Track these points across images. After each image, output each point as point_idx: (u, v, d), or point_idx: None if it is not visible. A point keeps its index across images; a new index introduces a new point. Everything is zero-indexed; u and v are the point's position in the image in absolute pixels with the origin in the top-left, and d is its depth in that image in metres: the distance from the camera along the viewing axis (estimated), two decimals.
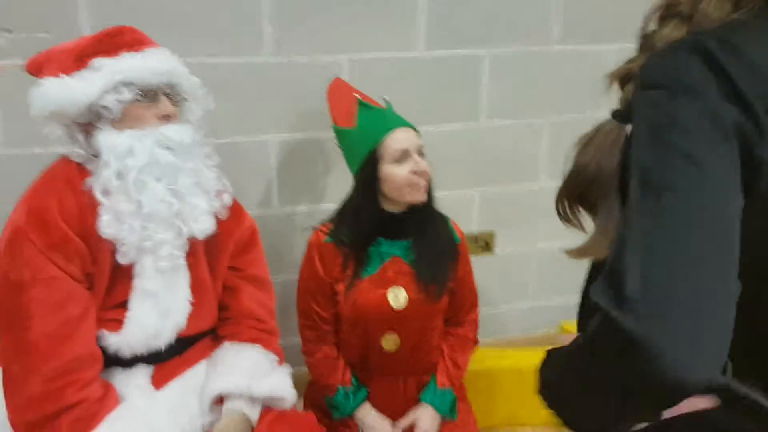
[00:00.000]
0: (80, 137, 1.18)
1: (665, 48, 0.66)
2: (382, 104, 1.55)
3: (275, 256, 1.93)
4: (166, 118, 1.20)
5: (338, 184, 1.62)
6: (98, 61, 1.15)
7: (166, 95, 1.22)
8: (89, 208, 1.15)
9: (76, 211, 1.15)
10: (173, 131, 1.19)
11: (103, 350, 1.20)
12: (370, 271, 1.54)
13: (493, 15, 1.93)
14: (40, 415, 1.08)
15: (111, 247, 1.17)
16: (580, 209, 0.85)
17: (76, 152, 1.18)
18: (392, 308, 1.53)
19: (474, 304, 1.70)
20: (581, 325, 0.94)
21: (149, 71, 1.17)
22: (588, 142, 0.81)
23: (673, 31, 0.69)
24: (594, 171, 0.79)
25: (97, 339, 1.18)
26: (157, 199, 1.16)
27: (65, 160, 1.21)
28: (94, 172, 1.16)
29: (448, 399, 1.62)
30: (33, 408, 1.09)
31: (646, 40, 0.73)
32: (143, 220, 1.15)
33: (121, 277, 1.19)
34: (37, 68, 1.19)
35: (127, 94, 1.15)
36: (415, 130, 1.51)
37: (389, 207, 1.53)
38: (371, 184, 1.49)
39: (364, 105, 1.51)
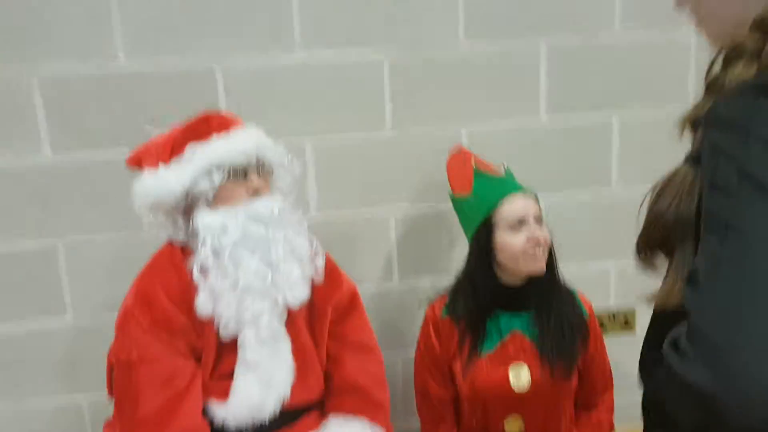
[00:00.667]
0: (180, 221, 1.26)
1: (734, 89, 0.62)
2: (501, 171, 1.51)
3: (396, 333, 1.90)
4: (257, 192, 1.27)
5: (462, 257, 1.58)
6: (191, 148, 1.24)
7: (257, 169, 1.28)
8: (192, 286, 1.22)
9: (179, 291, 1.22)
10: (263, 205, 1.25)
11: (211, 423, 1.22)
12: (489, 347, 1.46)
13: (620, 76, 1.85)
14: None
15: (215, 322, 1.21)
16: (660, 256, 0.78)
17: (178, 236, 1.27)
18: (514, 389, 1.42)
19: (608, 386, 1.54)
20: (644, 379, 0.92)
21: (237, 151, 1.25)
22: (664, 188, 0.75)
23: (742, 71, 0.63)
24: (673, 216, 0.72)
25: (205, 410, 1.21)
26: (252, 273, 1.20)
27: (170, 244, 1.30)
28: (194, 252, 1.23)
29: None
30: None
31: (713, 83, 0.67)
32: (240, 294, 1.20)
33: (228, 349, 1.24)
34: (137, 162, 1.30)
35: (217, 177, 1.23)
36: (533, 196, 1.45)
37: (506, 278, 1.45)
38: (486, 253, 1.44)
39: (480, 172, 1.48)
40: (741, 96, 0.60)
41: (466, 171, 1.52)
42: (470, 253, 1.48)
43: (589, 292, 1.97)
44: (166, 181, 1.22)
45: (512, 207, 1.41)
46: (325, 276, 1.36)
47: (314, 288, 1.33)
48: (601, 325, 2.00)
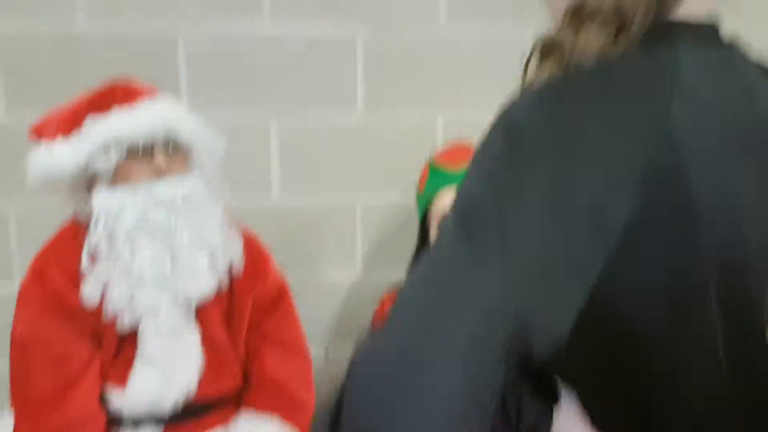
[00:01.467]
0: (86, 197, 1.17)
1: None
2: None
3: (354, 326, 1.82)
4: (161, 173, 1.16)
5: None
6: (90, 121, 1.13)
7: (165, 148, 1.17)
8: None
9: (77, 273, 1.14)
10: (166, 188, 1.15)
11: (109, 409, 1.16)
12: None
13: None
14: None
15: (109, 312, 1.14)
16: None
17: (81, 212, 1.18)
18: None
19: None
20: None
21: (138, 126, 1.13)
22: None
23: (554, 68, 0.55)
24: None
25: (103, 396, 1.14)
26: (147, 261, 1.12)
27: (73, 221, 1.21)
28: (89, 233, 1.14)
29: None
30: None
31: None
32: (134, 283, 1.11)
33: (130, 336, 1.17)
34: (39, 134, 1.19)
35: (114, 154, 1.12)
36: None
37: None
38: (424, 250, 1.35)
39: (435, 167, 1.39)
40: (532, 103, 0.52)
41: (426, 167, 1.43)
42: (414, 250, 1.40)
43: None
44: (59, 156, 1.12)
45: (441, 202, 1.33)
46: (249, 266, 1.28)
47: (234, 279, 1.25)
48: None
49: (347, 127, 1.70)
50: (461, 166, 1.39)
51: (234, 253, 1.24)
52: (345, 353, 1.76)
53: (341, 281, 1.81)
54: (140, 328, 1.15)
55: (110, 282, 1.12)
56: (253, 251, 1.31)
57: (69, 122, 1.16)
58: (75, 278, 1.14)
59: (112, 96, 1.18)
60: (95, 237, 1.12)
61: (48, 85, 1.59)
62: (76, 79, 1.58)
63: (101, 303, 1.13)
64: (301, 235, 1.76)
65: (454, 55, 1.69)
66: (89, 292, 1.12)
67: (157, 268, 1.13)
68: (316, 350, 1.83)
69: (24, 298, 1.16)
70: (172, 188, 1.15)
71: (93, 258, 1.13)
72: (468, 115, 1.71)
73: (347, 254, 1.80)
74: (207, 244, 1.18)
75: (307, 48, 1.64)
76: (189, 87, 1.62)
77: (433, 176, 1.40)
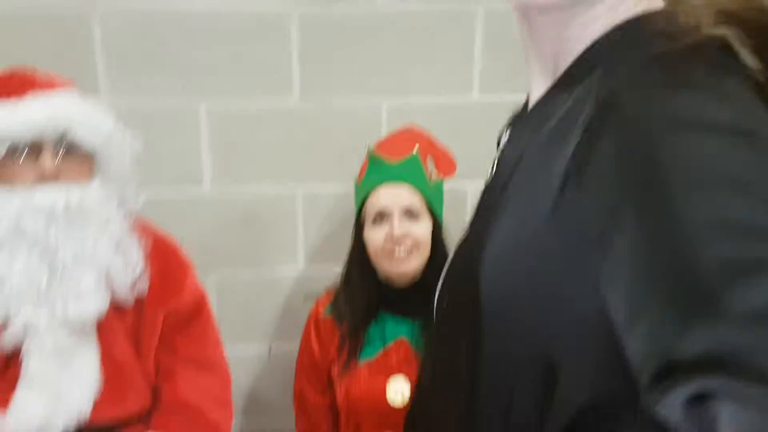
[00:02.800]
0: None
1: None
2: (405, 155, 1.30)
3: (294, 324, 1.72)
4: (44, 177, 1.04)
5: None
6: None
7: (56, 148, 1.05)
8: None
9: None
10: (49, 194, 1.03)
11: None
12: (369, 354, 1.28)
13: None
14: None
15: None
16: None
17: None
18: (391, 403, 1.24)
19: None
20: None
21: (22, 123, 1.01)
22: None
23: None
24: None
25: None
26: (21, 274, 1.01)
27: None
28: None
29: None
30: None
31: None
32: (6, 297, 1.01)
33: (14, 357, 1.05)
34: None
35: None
36: (414, 187, 1.23)
37: (390, 278, 1.26)
38: (360, 250, 1.25)
39: (374, 157, 1.28)
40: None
41: (366, 157, 1.32)
42: (350, 249, 1.30)
43: None
44: None
45: (376, 198, 1.23)
46: (161, 278, 1.17)
47: (146, 293, 1.14)
48: None
49: (284, 112, 1.59)
50: (403, 158, 1.28)
51: (136, 269, 1.13)
52: (287, 350, 1.68)
53: (284, 275, 1.71)
54: (23, 347, 1.04)
55: None
56: (169, 261, 1.21)
57: None
58: None
59: (4, 86, 1.06)
60: None
61: None
62: None
63: None
64: (240, 228, 1.66)
65: (397, 34, 1.57)
66: None
67: (31, 283, 1.02)
68: (258, 347, 1.75)
69: None
70: (54, 195, 1.03)
71: None
72: (413, 100, 1.62)
73: (289, 248, 1.70)
74: (96, 260, 1.07)
75: (239, 26, 1.52)
76: (107, 70, 1.49)
77: (373, 168, 1.29)
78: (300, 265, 1.71)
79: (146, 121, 1.47)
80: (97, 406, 1.08)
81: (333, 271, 1.67)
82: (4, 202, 1.01)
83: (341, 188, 1.64)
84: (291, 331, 1.74)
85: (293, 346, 1.59)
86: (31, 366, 1.03)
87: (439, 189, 1.30)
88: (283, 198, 1.65)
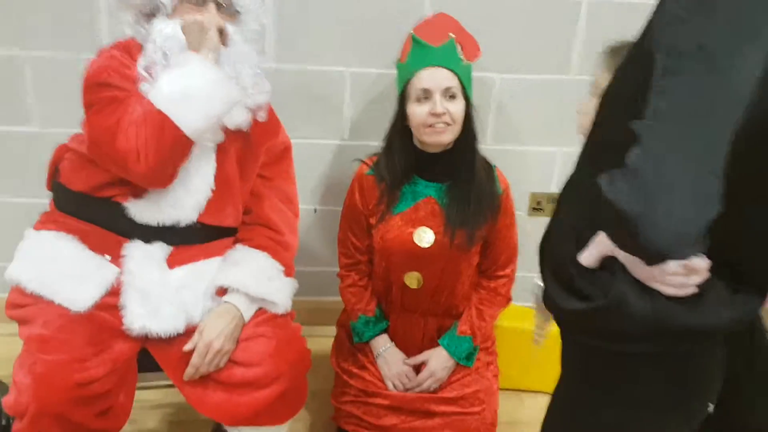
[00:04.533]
0: (144, 24, 1.34)
1: None
2: (444, 41, 1.51)
3: (338, 188, 2.00)
4: (211, 20, 1.30)
5: None
6: None
7: (220, 5, 1.32)
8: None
9: (130, 65, 1.31)
10: (214, 17, 1.30)
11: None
12: (402, 208, 1.57)
13: None
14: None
15: None
16: None
17: (138, 36, 1.34)
18: (417, 247, 1.54)
19: (510, 260, 1.66)
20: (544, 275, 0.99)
21: None
22: None
23: None
24: None
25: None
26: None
27: (132, 39, 1.36)
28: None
29: (465, 347, 1.63)
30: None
31: None
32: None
33: None
34: None
35: None
36: (452, 70, 1.47)
37: (426, 146, 1.53)
38: (401, 120, 1.51)
39: (417, 39, 1.50)
40: None
41: (408, 38, 1.54)
42: (393, 119, 1.55)
43: (533, 175, 2.05)
44: None
45: (420, 79, 1.46)
46: (265, 121, 1.43)
47: (253, 127, 1.41)
48: (539, 206, 2.10)
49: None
50: (443, 43, 1.49)
51: (260, 99, 1.40)
52: (330, 210, 1.96)
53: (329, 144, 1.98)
54: None
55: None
56: (269, 112, 1.46)
57: None
58: (132, 69, 1.31)
59: None
60: (152, 51, 1.29)
61: None
62: None
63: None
64: (294, 98, 1.90)
65: None
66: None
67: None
68: (303, 208, 2.04)
69: (104, 53, 1.34)
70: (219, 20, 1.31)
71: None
72: None
73: (337, 120, 1.95)
74: (241, 83, 1.33)
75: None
76: None
77: (416, 51, 1.50)
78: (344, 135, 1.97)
79: None
80: (207, 210, 1.37)
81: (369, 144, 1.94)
82: (192, 19, 1.29)
83: (381, 70, 1.88)
84: (330, 196, 2.03)
85: (335, 206, 1.88)
86: None
87: (469, 71, 1.52)
88: (333, 75, 1.89)
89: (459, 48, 1.49)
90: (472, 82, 1.53)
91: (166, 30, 1.29)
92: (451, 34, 1.51)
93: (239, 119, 1.37)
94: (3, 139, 1.91)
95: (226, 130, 1.37)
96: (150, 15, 1.34)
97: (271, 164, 1.53)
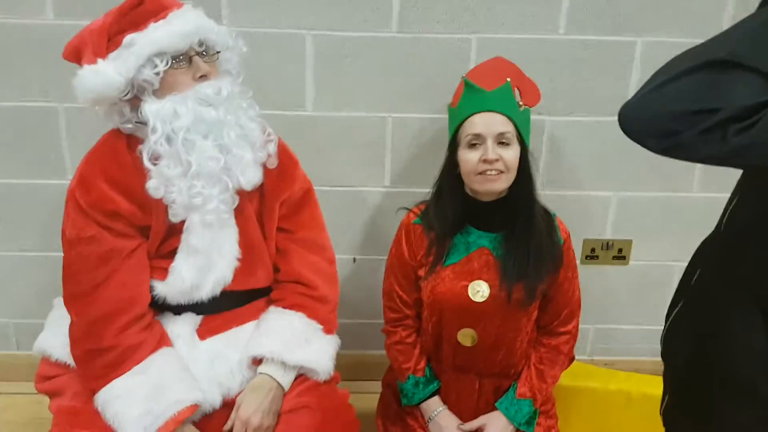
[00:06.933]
0: (127, 111, 1.23)
1: None
2: (498, 85, 1.43)
3: (379, 236, 1.91)
4: (203, 77, 1.22)
5: None
6: (129, 38, 1.17)
7: (200, 53, 1.23)
8: (134, 172, 1.22)
9: (120, 176, 1.23)
10: (210, 87, 1.21)
11: (154, 297, 1.28)
12: (454, 259, 1.46)
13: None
14: (82, 351, 1.22)
15: (165, 205, 1.23)
16: None
17: (125, 126, 1.25)
18: (471, 301, 1.43)
19: (573, 316, 1.53)
20: None
21: (177, 36, 1.18)
22: None
23: None
24: None
25: (154, 287, 1.27)
26: (205, 157, 1.19)
27: (115, 132, 1.28)
28: (144, 139, 1.21)
29: (525, 411, 1.49)
30: (79, 345, 1.23)
31: None
32: (191, 179, 1.19)
33: (176, 230, 1.26)
34: (76, 55, 1.23)
35: (161, 65, 1.18)
36: (506, 115, 1.37)
37: (478, 195, 1.43)
38: (452, 167, 1.42)
39: (470, 84, 1.41)
40: None
41: (461, 82, 1.46)
42: (442, 166, 1.46)
43: (586, 220, 1.94)
44: (106, 74, 1.17)
45: (472, 124, 1.37)
46: (279, 169, 1.35)
47: (266, 181, 1.32)
48: (593, 253, 1.98)
49: (382, 41, 1.74)
50: (497, 87, 1.41)
51: (270, 150, 1.31)
52: (370, 259, 1.88)
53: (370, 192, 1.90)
54: (186, 221, 1.25)
55: (171, 180, 1.20)
56: (283, 155, 1.38)
57: (105, 40, 1.20)
58: (119, 183, 1.23)
59: (144, 10, 1.22)
60: (154, 140, 1.19)
61: None
62: None
63: (156, 198, 1.22)
64: (333, 146, 1.84)
65: None
66: (154, 189, 1.21)
67: (213, 162, 1.20)
68: (341, 259, 1.96)
69: (70, 200, 1.25)
70: (215, 87, 1.22)
71: (153, 159, 1.20)
72: (501, 34, 1.74)
73: (377, 167, 1.87)
74: (249, 139, 1.25)
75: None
76: None
77: (468, 95, 1.42)
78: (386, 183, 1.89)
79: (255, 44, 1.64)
80: (235, 277, 1.30)
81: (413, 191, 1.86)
82: (182, 101, 1.20)
83: (427, 114, 1.80)
84: (370, 245, 1.95)
85: (375, 257, 1.79)
86: (192, 238, 1.24)
87: (526, 117, 1.44)
88: (374, 121, 1.82)
89: (516, 92, 1.40)
90: (530, 127, 1.44)
91: (163, 111, 1.19)
92: (507, 78, 1.42)
93: (255, 179, 1.28)
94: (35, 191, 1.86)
95: (241, 192, 1.29)
96: (135, 100, 1.22)
97: (292, 215, 1.43)
